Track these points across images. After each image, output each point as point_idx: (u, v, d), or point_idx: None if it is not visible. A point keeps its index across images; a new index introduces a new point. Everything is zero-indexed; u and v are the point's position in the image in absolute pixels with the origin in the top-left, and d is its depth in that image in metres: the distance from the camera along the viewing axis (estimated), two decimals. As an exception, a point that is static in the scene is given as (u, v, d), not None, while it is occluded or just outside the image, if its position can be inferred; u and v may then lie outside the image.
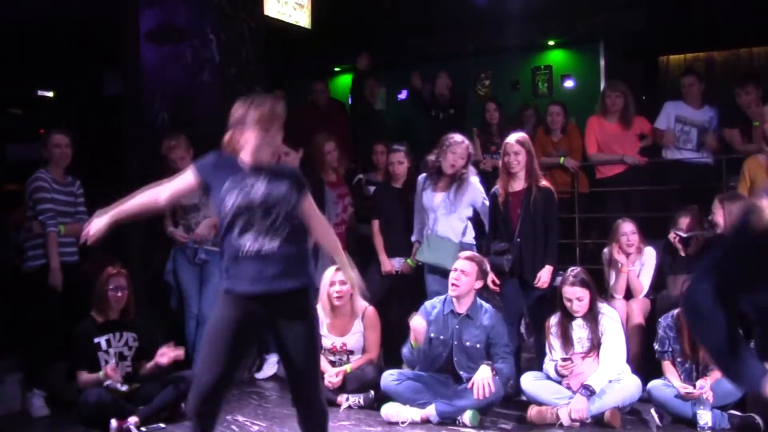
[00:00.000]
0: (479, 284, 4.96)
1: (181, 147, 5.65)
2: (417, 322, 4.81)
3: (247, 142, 3.17)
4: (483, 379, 4.66)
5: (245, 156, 3.19)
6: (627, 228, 5.52)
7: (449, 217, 5.53)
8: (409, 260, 5.82)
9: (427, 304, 5.12)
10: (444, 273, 5.26)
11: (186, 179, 3.24)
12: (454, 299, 4.95)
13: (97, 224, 3.18)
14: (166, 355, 4.84)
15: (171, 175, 5.60)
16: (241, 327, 3.13)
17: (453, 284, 4.91)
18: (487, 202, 5.56)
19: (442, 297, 5.07)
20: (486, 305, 4.99)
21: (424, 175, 5.70)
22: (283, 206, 3.14)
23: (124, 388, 4.81)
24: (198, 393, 3.13)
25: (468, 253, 5.11)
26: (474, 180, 5.61)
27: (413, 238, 5.78)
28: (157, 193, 3.25)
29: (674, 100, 6.57)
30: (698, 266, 2.29)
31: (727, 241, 2.27)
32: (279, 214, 3.12)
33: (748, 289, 2.18)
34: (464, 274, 4.89)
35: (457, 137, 5.57)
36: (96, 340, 4.89)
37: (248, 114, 3.17)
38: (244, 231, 3.11)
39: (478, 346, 4.88)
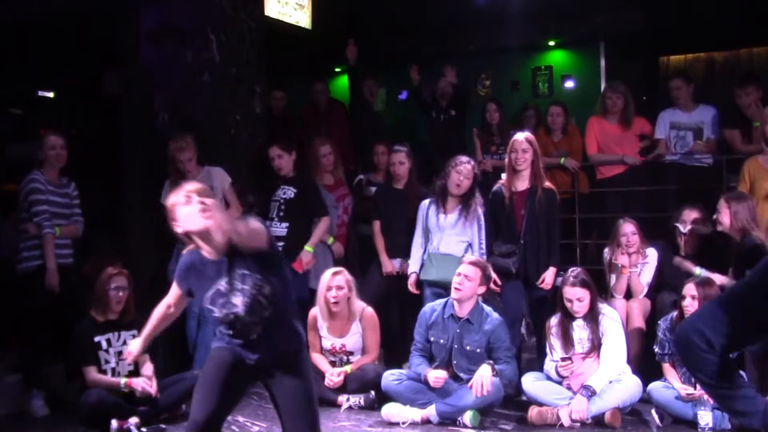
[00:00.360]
0: (482, 290, 4.95)
1: (190, 148, 5.64)
2: (434, 376, 4.83)
3: (192, 233, 3.04)
4: (482, 377, 4.65)
5: (206, 250, 3.08)
6: (627, 228, 5.52)
7: (453, 238, 5.50)
8: (409, 261, 5.80)
9: (426, 307, 5.11)
10: (446, 288, 5.23)
11: (175, 292, 3.30)
12: (455, 303, 4.94)
13: (135, 347, 3.49)
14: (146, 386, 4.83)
15: (177, 176, 5.63)
16: (234, 371, 3.15)
17: (456, 288, 4.90)
18: (483, 236, 5.51)
19: (443, 300, 5.05)
20: (487, 308, 4.97)
21: (428, 200, 5.64)
22: (263, 301, 3.05)
23: (125, 389, 4.81)
24: (190, 429, 3.14)
25: (472, 257, 5.10)
26: (480, 211, 5.54)
27: (411, 264, 5.67)
28: (167, 306, 3.36)
29: (667, 109, 6.58)
30: (698, 309, 2.32)
31: (741, 290, 2.28)
32: (263, 305, 3.05)
33: (760, 337, 2.19)
34: (468, 279, 4.87)
35: (463, 158, 5.55)
36: (96, 339, 4.89)
37: (167, 206, 3.08)
38: (232, 330, 3.12)
39: (478, 350, 4.88)
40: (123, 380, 4.79)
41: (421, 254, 5.61)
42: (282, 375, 3.15)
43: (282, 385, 3.16)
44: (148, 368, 4.91)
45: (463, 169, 5.47)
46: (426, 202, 5.66)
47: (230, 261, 3.05)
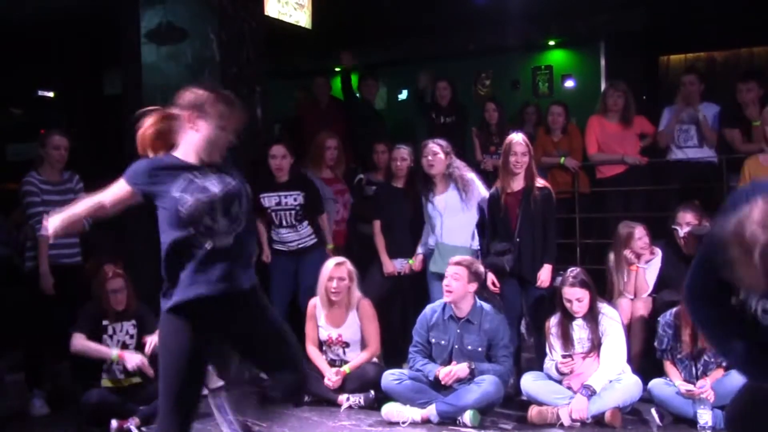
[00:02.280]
0: (473, 287, 4.94)
1: None
2: (444, 372, 4.84)
3: (199, 133, 2.98)
4: (457, 370, 4.75)
5: (186, 152, 3.00)
6: (639, 233, 5.50)
7: (456, 220, 5.49)
8: (410, 261, 5.80)
9: (427, 309, 5.11)
10: None
11: (119, 190, 3.01)
12: (452, 304, 4.95)
13: (54, 224, 3.00)
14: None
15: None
16: (197, 344, 2.95)
17: (447, 291, 4.90)
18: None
19: (442, 301, 5.06)
20: (486, 307, 4.98)
21: (423, 198, 5.67)
22: (241, 200, 3.01)
23: (122, 376, 4.81)
24: (181, 420, 2.98)
25: (457, 257, 5.07)
26: (473, 177, 5.58)
27: (418, 250, 5.75)
28: (101, 201, 3.04)
29: (671, 105, 6.58)
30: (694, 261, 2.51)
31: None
32: (238, 209, 2.99)
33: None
34: (455, 278, 4.88)
35: (426, 141, 5.64)
36: (104, 322, 4.91)
37: (213, 105, 3.00)
38: (204, 231, 2.92)
39: (479, 349, 4.88)
40: (115, 351, 4.76)
41: (425, 242, 5.68)
42: (250, 308, 3.04)
43: (255, 317, 3.05)
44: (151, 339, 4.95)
45: (427, 151, 5.53)
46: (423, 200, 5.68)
47: (214, 171, 2.99)
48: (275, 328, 3.14)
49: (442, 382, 4.81)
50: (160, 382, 3.01)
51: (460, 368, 4.79)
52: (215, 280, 2.94)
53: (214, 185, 2.96)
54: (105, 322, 4.93)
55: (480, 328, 4.89)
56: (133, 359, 4.77)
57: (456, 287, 4.88)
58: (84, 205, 3.08)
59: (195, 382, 3.01)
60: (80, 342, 4.80)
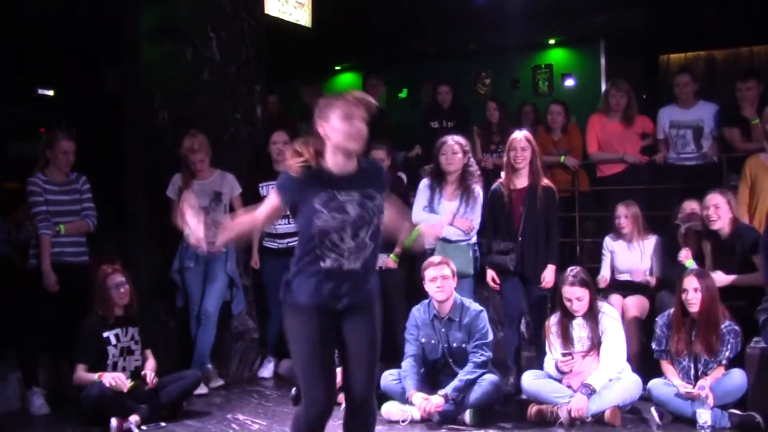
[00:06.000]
0: (455, 282, 4.94)
1: (203, 149, 5.64)
2: (420, 399, 4.75)
3: (330, 137, 3.04)
4: (431, 406, 4.65)
5: (331, 162, 3.06)
6: (620, 211, 5.65)
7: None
8: (392, 256, 5.76)
9: (414, 310, 5.10)
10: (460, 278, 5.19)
11: (272, 204, 3.13)
12: (436, 303, 4.92)
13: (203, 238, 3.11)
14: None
15: (188, 173, 5.61)
16: (325, 332, 3.10)
17: (439, 290, 4.87)
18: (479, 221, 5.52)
19: (425, 302, 5.03)
20: (467, 303, 4.95)
21: (427, 180, 5.60)
22: (374, 222, 3.07)
23: (128, 382, 4.81)
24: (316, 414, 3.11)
25: (437, 258, 5.01)
26: (480, 193, 5.52)
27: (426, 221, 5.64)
28: (254, 218, 3.19)
29: (666, 106, 6.57)
30: None
31: None
32: (367, 232, 3.06)
33: None
34: (445, 278, 4.85)
35: (445, 138, 5.55)
36: (105, 334, 4.90)
37: (326, 105, 3.07)
38: (330, 246, 3.03)
39: (463, 345, 4.87)
40: (96, 375, 4.75)
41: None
42: (356, 315, 3.13)
43: (354, 325, 3.13)
44: (149, 364, 4.94)
45: (447, 149, 5.46)
46: (425, 180, 5.62)
47: (356, 185, 3.07)
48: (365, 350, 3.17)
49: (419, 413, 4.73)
50: (294, 365, 3.25)
51: (433, 404, 4.66)
52: (326, 295, 3.07)
53: (353, 207, 3.04)
54: (106, 334, 4.91)
55: (461, 325, 4.87)
56: (108, 378, 4.72)
57: (448, 286, 4.87)
58: (241, 221, 3.27)
59: (326, 365, 3.12)
60: (78, 375, 4.82)
